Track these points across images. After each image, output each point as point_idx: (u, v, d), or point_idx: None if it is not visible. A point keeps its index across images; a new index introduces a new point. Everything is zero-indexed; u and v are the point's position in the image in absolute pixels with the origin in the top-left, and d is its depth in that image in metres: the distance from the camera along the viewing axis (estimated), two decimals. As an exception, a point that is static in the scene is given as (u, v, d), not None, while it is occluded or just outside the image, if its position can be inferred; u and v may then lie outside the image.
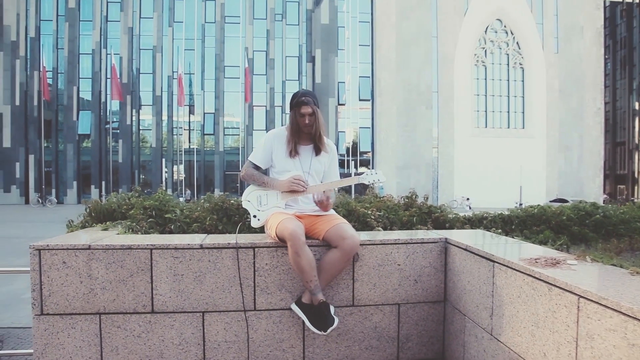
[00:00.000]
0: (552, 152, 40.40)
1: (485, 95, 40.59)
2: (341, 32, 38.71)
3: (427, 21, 38.65)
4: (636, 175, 52.60)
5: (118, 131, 37.55)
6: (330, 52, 37.94)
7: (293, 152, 2.85)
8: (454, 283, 2.87)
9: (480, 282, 2.55)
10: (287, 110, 2.98)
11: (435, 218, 4.08)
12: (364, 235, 3.06)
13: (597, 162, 41.24)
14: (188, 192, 35.80)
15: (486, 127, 40.55)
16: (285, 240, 2.58)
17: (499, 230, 4.08)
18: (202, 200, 3.79)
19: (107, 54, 36.36)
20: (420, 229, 3.83)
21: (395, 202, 4.21)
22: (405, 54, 38.34)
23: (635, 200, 42.79)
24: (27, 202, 35.97)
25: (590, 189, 40.31)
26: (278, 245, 2.77)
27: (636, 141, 52.33)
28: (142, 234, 3.34)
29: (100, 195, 35.63)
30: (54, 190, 36.82)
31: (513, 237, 3.95)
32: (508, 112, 40.87)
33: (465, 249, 2.73)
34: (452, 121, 39.40)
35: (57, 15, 37.09)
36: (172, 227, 3.49)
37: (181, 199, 35.23)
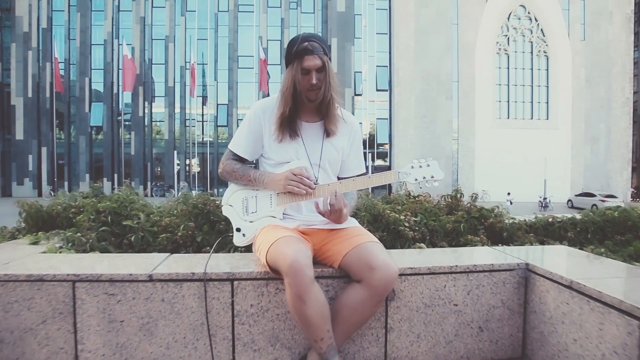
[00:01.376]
0: (578, 144, 38.67)
1: (508, 85, 38.95)
2: (358, 20, 37.34)
3: (447, 8, 37.10)
4: (665, 168, 50.41)
5: (130, 123, 36.91)
6: (346, 40, 36.66)
7: (291, 132, 1.84)
8: (544, 335, 1.85)
9: (605, 349, 1.53)
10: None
11: (490, 225, 3.05)
12: (399, 257, 2.06)
13: (625, 154, 39.34)
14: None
15: (508, 118, 38.95)
16: (281, 274, 1.60)
17: (591, 247, 3.02)
18: (177, 202, 2.81)
19: (119, 45, 35.65)
20: (472, 240, 2.81)
21: (435, 204, 3.20)
22: (424, 43, 36.91)
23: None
24: (39, 194, 35.54)
25: (618, 182, 38.53)
26: (270, 277, 1.78)
27: (665, 133, 50.09)
28: (87, 250, 2.38)
29: (113, 189, 35.16)
30: (66, 183, 36.37)
31: (592, 251, 2.91)
32: (531, 102, 39.18)
33: (569, 287, 1.71)
34: (473, 112, 37.90)
35: (69, 5, 36.40)
36: (132, 238, 2.53)
37: (193, 193, 34.53)
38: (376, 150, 37.83)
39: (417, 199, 3.22)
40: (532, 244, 2.93)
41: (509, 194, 29.50)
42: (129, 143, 36.81)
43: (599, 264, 2.07)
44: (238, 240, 1.92)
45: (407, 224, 2.79)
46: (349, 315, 1.67)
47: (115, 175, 36.35)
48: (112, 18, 36.43)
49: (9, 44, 36.17)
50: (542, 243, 3.14)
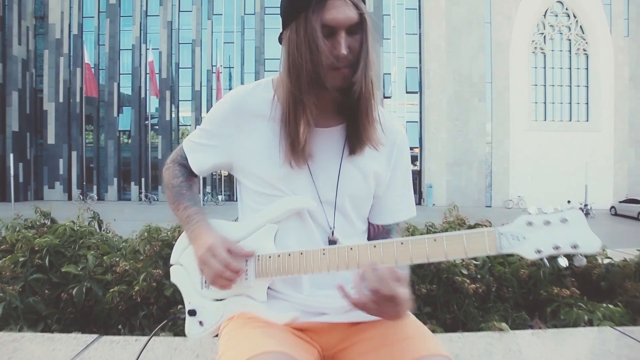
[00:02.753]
0: (621, 147, 36.57)
1: (544, 86, 37.23)
2: (387, 20, 36.40)
3: (479, 6, 35.75)
4: None
5: (157, 127, 37.03)
6: (375, 42, 35.18)
7: (304, 144, 1.01)
8: None
9: None
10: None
11: (582, 271, 2.12)
12: (468, 352, 1.23)
13: (673, 157, 37.03)
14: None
15: (545, 120, 37.23)
16: None
17: None
18: (142, 236, 2.02)
19: (146, 49, 35.89)
20: (559, 295, 1.93)
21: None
22: (455, 43, 35.66)
23: None
24: (69, 198, 36.03)
25: (665, 188, 36.26)
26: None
27: None
28: (0, 312, 1.64)
29: (140, 193, 35.26)
30: (95, 187, 36.75)
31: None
32: (570, 103, 37.34)
33: None
34: (507, 114, 36.35)
35: (99, 11, 36.91)
36: (73, 291, 1.77)
37: (220, 198, 34.38)
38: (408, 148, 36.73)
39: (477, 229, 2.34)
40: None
41: (569, 202, 27.57)
42: (156, 147, 36.91)
43: None
44: (192, 329, 1.13)
45: (465, 272, 1.92)
46: None
47: (143, 180, 36.48)
48: (140, 23, 36.71)
49: (42, 51, 36.94)
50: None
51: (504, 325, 1.73)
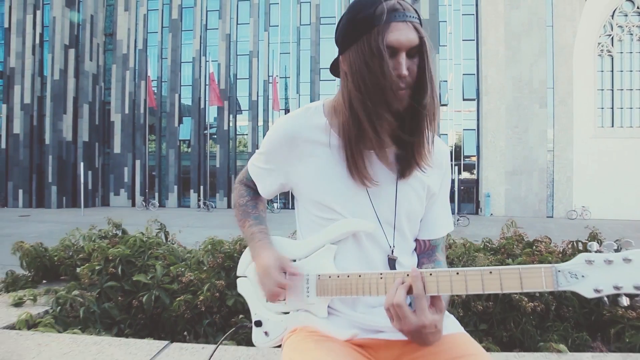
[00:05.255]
0: (700, 155, 33.99)
1: (612, 90, 35.26)
2: (443, 27, 35.85)
3: (540, 8, 34.47)
4: None
5: (216, 136, 38.23)
6: (431, 49, 35.33)
7: (356, 172, 1.07)
8: None
9: None
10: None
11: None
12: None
13: None
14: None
15: (612, 126, 35.21)
16: None
17: None
18: (206, 248, 2.16)
19: (206, 61, 37.25)
20: (624, 317, 1.88)
21: (559, 252, 2.28)
22: (515, 47, 34.54)
23: None
24: (133, 204, 37.84)
25: None
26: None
27: None
28: (81, 318, 1.79)
29: (198, 200, 36.47)
30: (156, 194, 38.39)
31: None
32: (641, 108, 35.19)
33: None
34: (570, 121, 34.67)
35: (162, 27, 38.77)
36: (143, 298, 1.92)
37: (275, 206, 34.91)
38: (462, 162, 35.86)
39: (536, 247, 2.30)
40: None
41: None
42: (214, 156, 38.12)
43: None
44: (258, 339, 1.21)
45: (525, 297, 1.91)
46: None
47: (201, 188, 37.72)
48: (200, 37, 38.20)
49: (111, 66, 39.22)
50: None
51: (562, 346, 1.68)
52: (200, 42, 38.17)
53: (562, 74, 34.63)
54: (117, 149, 38.73)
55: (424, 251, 1.19)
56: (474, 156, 35.71)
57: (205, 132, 38.32)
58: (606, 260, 0.86)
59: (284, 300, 1.13)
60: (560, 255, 2.21)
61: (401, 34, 0.98)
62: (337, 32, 1.08)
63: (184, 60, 38.45)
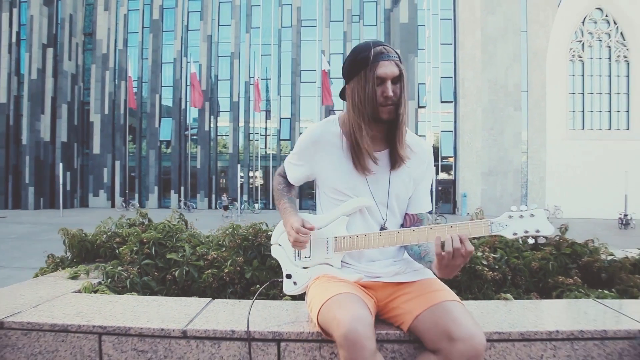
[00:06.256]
0: (664, 156, 35.50)
1: (583, 94, 36.56)
2: (421, 31, 36.65)
3: (515, 14, 35.57)
4: None
5: (197, 137, 38.28)
6: (409, 52, 36.05)
7: (367, 162, 1.53)
8: None
9: None
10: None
11: (585, 264, 2.58)
12: (481, 313, 1.70)
13: None
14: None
15: (583, 128, 36.51)
16: (335, 342, 1.30)
17: None
18: (225, 232, 2.59)
19: (187, 62, 37.27)
20: (564, 283, 2.37)
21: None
22: (491, 52, 35.55)
23: None
24: (113, 205, 37.61)
25: None
26: (324, 339, 1.49)
27: None
28: (127, 286, 2.20)
29: (179, 201, 36.47)
30: (137, 195, 38.22)
31: None
32: (609, 111, 36.51)
33: None
34: (543, 123, 35.86)
35: (143, 27, 38.60)
36: (175, 273, 2.32)
37: (256, 206, 35.16)
38: (440, 163, 36.73)
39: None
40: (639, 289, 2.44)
41: (625, 214, 26.95)
42: (195, 157, 38.15)
43: None
44: (288, 288, 1.66)
45: (485, 262, 2.40)
46: (422, 394, 1.34)
47: (182, 188, 37.74)
48: (182, 37, 38.18)
49: (90, 65, 38.85)
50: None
51: (508, 295, 2.14)
52: (182, 43, 38.17)
53: (536, 78, 35.79)
54: (96, 149, 38.41)
55: (414, 223, 1.65)
56: (451, 157, 36.61)
57: (186, 132, 38.32)
58: (519, 215, 1.37)
59: (309, 257, 1.58)
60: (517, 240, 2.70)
61: (387, 69, 1.47)
62: (344, 68, 1.58)
63: (164, 61, 38.38)
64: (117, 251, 2.52)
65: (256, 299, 1.76)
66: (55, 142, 36.17)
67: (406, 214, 1.67)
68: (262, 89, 37.22)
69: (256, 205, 35.38)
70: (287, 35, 38.16)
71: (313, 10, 37.90)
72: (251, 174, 38.97)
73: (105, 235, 2.68)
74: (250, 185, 38.86)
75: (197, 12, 38.27)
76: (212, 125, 38.35)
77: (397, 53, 1.52)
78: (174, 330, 1.51)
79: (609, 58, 36.45)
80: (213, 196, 37.99)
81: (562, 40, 35.95)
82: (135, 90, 37.50)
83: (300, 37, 37.98)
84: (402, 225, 1.65)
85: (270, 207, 37.17)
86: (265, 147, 38.96)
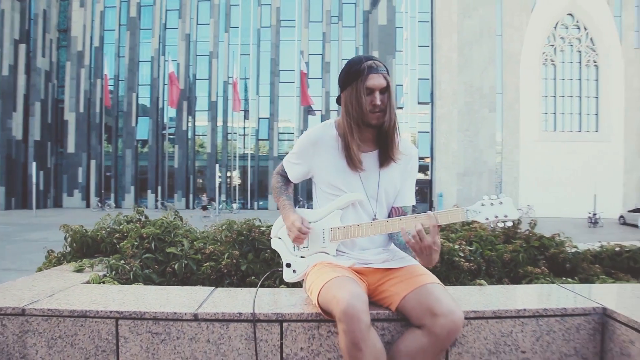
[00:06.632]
0: (631, 158, 36.80)
1: (555, 97, 37.65)
2: (399, 33, 37.18)
3: (490, 19, 36.40)
4: None
5: (174, 137, 37.96)
6: (387, 54, 36.49)
7: (357, 162, 1.72)
8: (626, 390, 1.65)
9: None
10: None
11: (551, 255, 2.83)
12: (459, 296, 1.90)
13: (682, 168, 37.20)
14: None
15: (555, 130, 37.60)
16: (335, 318, 1.49)
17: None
18: (222, 228, 2.75)
19: (165, 61, 36.92)
20: (533, 272, 2.60)
21: (490, 231, 3.00)
22: (467, 55, 36.29)
23: None
24: (88, 205, 37.03)
25: (674, 197, 36.40)
26: (321, 318, 1.66)
27: None
28: (130, 278, 2.33)
29: (156, 201, 36.13)
30: (112, 195, 37.68)
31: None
32: (580, 114, 37.69)
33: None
34: (517, 125, 36.81)
35: (119, 24, 38.07)
36: (175, 266, 2.47)
37: (234, 206, 35.06)
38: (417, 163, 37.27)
39: (471, 225, 3.03)
40: (598, 278, 2.69)
41: (594, 214, 28.01)
42: (172, 156, 37.82)
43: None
44: (288, 276, 1.83)
45: (462, 254, 2.61)
46: (409, 365, 1.53)
47: (159, 188, 37.37)
48: (159, 35, 37.82)
49: (65, 63, 38.11)
50: (609, 275, 2.88)
51: (483, 281, 2.37)
52: (159, 41, 37.80)
53: (510, 81, 36.69)
54: (70, 148, 37.72)
55: (399, 215, 1.83)
56: (428, 158, 37.22)
57: (164, 132, 37.96)
58: (490, 203, 1.60)
59: (307, 247, 1.75)
60: (490, 230, 2.93)
61: (375, 81, 1.67)
62: (339, 78, 1.78)
63: (142, 59, 37.93)
64: (118, 246, 2.65)
65: (259, 287, 1.92)
66: (28, 140, 35.40)
67: (392, 207, 1.86)
68: (241, 88, 37.14)
69: (234, 205, 35.31)
70: (266, 35, 38.18)
71: (292, 10, 38.02)
72: (229, 173, 38.82)
73: (104, 231, 2.80)
74: (228, 185, 38.73)
75: (175, 10, 37.96)
76: (189, 124, 38.08)
77: (385, 67, 1.71)
78: (186, 314, 1.66)
79: (580, 62, 37.60)
80: (190, 196, 37.73)
81: (535, 44, 36.94)
82: (111, 88, 37.01)
83: (279, 37, 38.04)
84: (389, 217, 1.84)
85: (248, 207, 37.14)
86: (244, 147, 38.86)
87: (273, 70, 37.94)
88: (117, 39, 38.05)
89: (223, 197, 36.27)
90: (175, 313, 1.67)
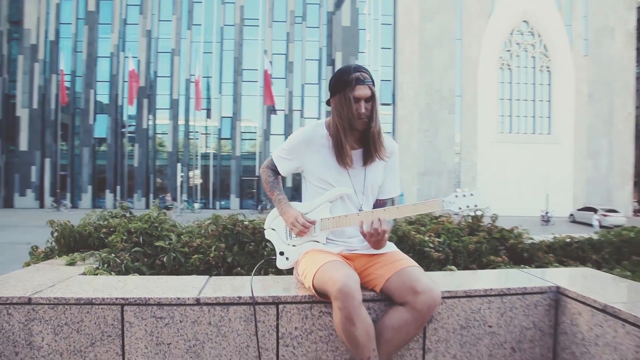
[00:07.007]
0: (580, 159, 38.74)
1: (510, 100, 39.16)
2: (362, 34, 37.71)
3: (451, 23, 37.50)
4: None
5: (134, 135, 37.09)
6: (350, 55, 36.97)
7: (348, 160, 1.91)
8: (575, 356, 1.91)
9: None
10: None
11: (511, 246, 3.11)
12: (432, 278, 2.12)
13: (627, 169, 39.42)
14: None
15: (511, 132, 39.11)
16: (330, 297, 1.66)
17: (617, 269, 3.06)
18: (207, 222, 2.87)
19: (124, 57, 36.03)
20: (495, 261, 2.87)
21: (456, 224, 3.25)
22: (428, 57, 37.24)
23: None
24: (42, 206, 35.68)
25: (619, 197, 38.53)
26: (314, 300, 1.84)
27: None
28: (122, 270, 2.43)
29: (115, 201, 35.22)
30: (68, 194, 36.47)
31: (617, 273, 2.97)
32: (534, 117, 39.35)
33: (603, 310, 1.76)
34: (475, 126, 38.09)
35: (77, 18, 36.81)
36: (164, 259, 2.58)
37: (196, 206, 34.63)
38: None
39: (439, 219, 3.28)
40: (552, 265, 2.99)
41: (547, 212, 29.62)
42: (132, 155, 36.96)
43: (627, 287, 2.13)
44: (281, 263, 1.99)
45: (431, 245, 2.84)
46: (392, 337, 1.73)
47: (118, 188, 36.46)
48: (119, 31, 36.87)
49: (16, 56, 36.54)
50: (561, 263, 3.20)
51: (452, 267, 2.64)
52: (119, 37, 36.83)
53: (469, 84, 37.90)
54: (23, 146, 36.20)
55: (381, 205, 2.02)
56: (390, 158, 37.84)
57: (123, 130, 37.05)
58: (463, 194, 1.84)
59: (307, 235, 1.93)
60: (456, 224, 3.19)
61: (362, 91, 1.86)
62: (330, 85, 1.96)
63: (100, 55, 36.84)
64: (106, 240, 2.73)
65: (250, 274, 2.07)
66: (-23, 137, 33.81)
67: (377, 199, 2.05)
68: (203, 87, 36.69)
69: (196, 205, 34.90)
70: (229, 34, 37.87)
71: (256, 9, 37.89)
72: (191, 173, 38.27)
73: (92, 227, 2.86)
74: (190, 185, 38.18)
75: (136, 5, 37.08)
76: (150, 122, 37.31)
77: (371, 77, 1.91)
78: (188, 299, 1.80)
79: (534, 67, 39.25)
80: (151, 196, 36.96)
81: (492, 49, 38.30)
82: (67, 84, 35.72)
83: (242, 36, 37.83)
84: (374, 208, 2.03)
85: (210, 207, 36.76)
86: (206, 146, 38.42)
87: (236, 69, 37.69)
88: (75, 34, 36.79)
89: (185, 197, 35.76)
90: (178, 298, 1.80)
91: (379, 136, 1.93)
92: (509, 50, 38.97)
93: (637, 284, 2.24)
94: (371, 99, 1.88)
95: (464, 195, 1.85)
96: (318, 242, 1.93)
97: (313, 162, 1.96)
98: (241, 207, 35.62)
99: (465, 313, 1.95)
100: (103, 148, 37.21)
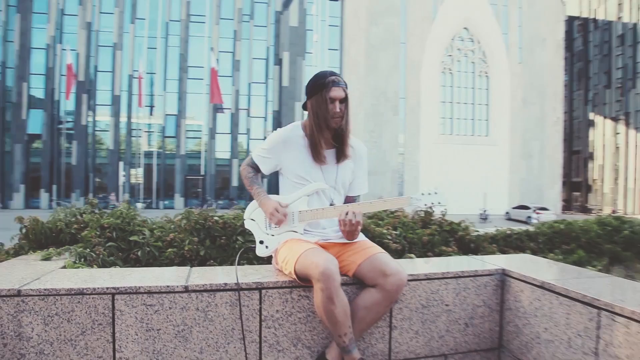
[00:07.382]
0: (515, 160, 41.06)
1: (452, 103, 40.87)
2: (310, 35, 38.07)
3: (396, 27, 38.60)
4: (590, 182, 54.48)
5: (72, 132, 35.42)
6: (298, 55, 37.23)
7: (322, 157, 2.10)
8: (518, 328, 2.22)
9: (570, 333, 1.91)
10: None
11: (460, 237, 3.43)
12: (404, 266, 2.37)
13: (556, 169, 42.23)
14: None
15: (451, 134, 40.82)
16: (312, 280, 1.85)
17: (551, 254, 3.45)
18: (179, 217, 2.98)
19: (62, 50, 34.32)
20: (446, 251, 3.17)
21: (410, 218, 3.54)
22: (373, 60, 38.13)
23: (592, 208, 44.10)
24: (-31, 206, 33.42)
25: (550, 195, 41.22)
26: (293, 285, 2.02)
27: (590, 150, 54.26)
28: (99, 264, 2.50)
29: (51, 201, 33.52)
30: (-1, 194, 34.35)
31: (552, 258, 3.37)
32: (473, 119, 41.31)
33: (541, 287, 2.07)
34: (418, 127, 39.45)
35: (7, 5, 34.62)
36: (138, 253, 2.67)
37: (138, 205, 33.52)
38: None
39: (395, 214, 3.55)
40: (495, 253, 3.35)
41: (484, 210, 31.23)
42: (70, 152, 35.26)
43: (559, 268, 2.48)
44: (261, 251, 2.15)
45: (389, 237, 3.10)
46: (365, 315, 1.94)
47: (54, 187, 34.70)
48: (56, 22, 35.04)
49: (-63, 45, 33.97)
50: (503, 252, 3.58)
51: (412, 255, 2.94)
52: (56, 28, 35.00)
53: (412, 86, 39.17)
54: (-53, 141, 33.74)
55: (350, 201, 2.23)
56: (337, 158, 38.42)
57: (60, 126, 35.25)
58: (428, 193, 2.09)
59: (278, 226, 2.10)
60: (410, 218, 3.48)
61: (337, 92, 2.06)
62: (307, 88, 2.13)
63: (34, 46, 34.87)
64: (79, 236, 2.77)
65: (222, 266, 2.22)
66: None
67: (347, 195, 2.26)
68: (147, 83, 35.64)
69: (139, 205, 33.80)
70: (174, 30, 37.02)
71: (203, 5, 37.27)
72: (133, 171, 37.03)
73: (62, 223, 2.88)
74: (132, 184, 36.95)
75: (74, -4, 35.42)
76: (89, 119, 35.77)
77: (344, 82, 2.12)
78: (177, 286, 1.92)
79: (473, 72, 41.17)
80: (90, 195, 35.37)
81: (435, 53, 39.79)
82: (-3, 77, 33.59)
83: (188, 32, 37.10)
84: (345, 203, 2.24)
85: (153, 207, 35.75)
86: (149, 144, 37.32)
87: (181, 66, 36.91)
88: (5, 22, 34.56)
89: (127, 197, 34.53)
90: (168, 286, 1.92)
91: (347, 135, 2.14)
92: (450, 55, 40.62)
93: (567, 265, 2.61)
94: (345, 100, 2.08)
95: (429, 194, 2.11)
96: (296, 232, 2.10)
97: (290, 159, 2.13)
98: (186, 207, 34.33)
99: (426, 294, 2.20)
100: (37, 145, 35.26)
